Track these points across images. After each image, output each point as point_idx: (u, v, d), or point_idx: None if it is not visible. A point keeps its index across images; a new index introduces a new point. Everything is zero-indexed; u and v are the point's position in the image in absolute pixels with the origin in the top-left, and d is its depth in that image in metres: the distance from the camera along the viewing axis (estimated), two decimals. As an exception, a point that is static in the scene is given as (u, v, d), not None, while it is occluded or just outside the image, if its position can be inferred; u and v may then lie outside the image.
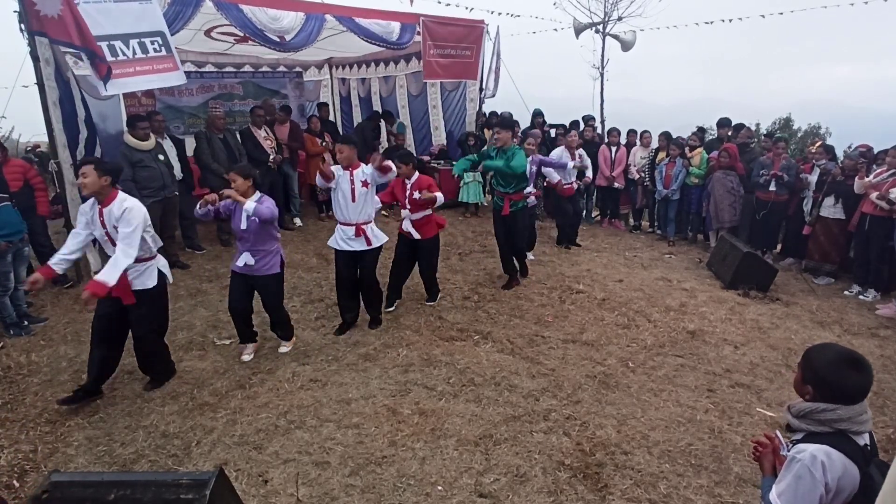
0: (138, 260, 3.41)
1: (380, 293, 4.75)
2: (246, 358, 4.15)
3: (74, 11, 4.55)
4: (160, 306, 3.72)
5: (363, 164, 4.35)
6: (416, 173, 4.81)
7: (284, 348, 4.31)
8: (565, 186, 6.83)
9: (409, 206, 4.79)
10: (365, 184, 4.29)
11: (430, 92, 9.32)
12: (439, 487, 2.79)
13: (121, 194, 3.45)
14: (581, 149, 7.22)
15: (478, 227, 7.80)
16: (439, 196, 4.74)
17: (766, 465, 1.78)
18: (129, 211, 3.34)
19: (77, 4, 4.60)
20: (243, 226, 3.81)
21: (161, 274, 3.63)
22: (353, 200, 4.29)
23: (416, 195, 4.70)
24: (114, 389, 3.75)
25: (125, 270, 3.28)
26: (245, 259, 3.91)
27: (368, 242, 4.41)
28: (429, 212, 4.89)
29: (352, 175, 4.29)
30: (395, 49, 7.78)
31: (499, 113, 9.18)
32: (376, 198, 4.56)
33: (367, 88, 10.44)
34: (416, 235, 4.85)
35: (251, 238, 3.86)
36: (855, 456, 1.54)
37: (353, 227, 4.36)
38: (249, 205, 3.73)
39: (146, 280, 3.53)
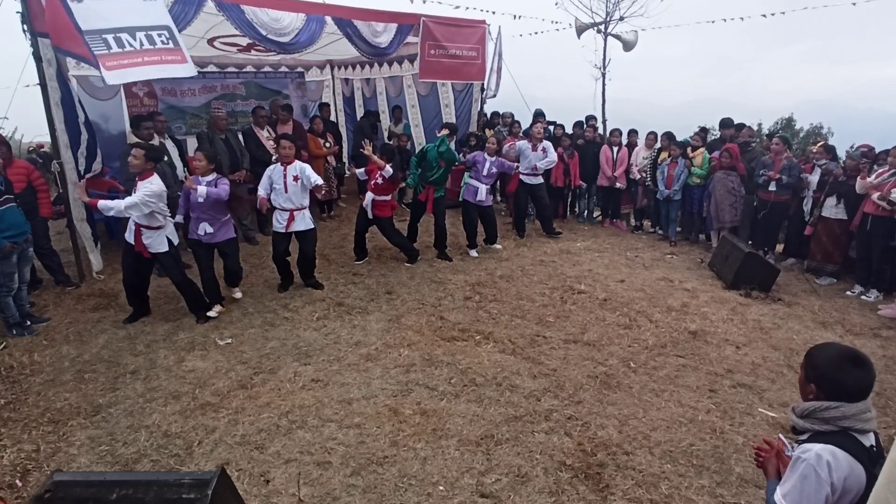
0: (150, 227, 4.47)
1: (311, 265, 5.62)
2: (214, 315, 4.89)
3: (59, 12, 4.50)
4: (176, 258, 4.75)
5: (298, 161, 5.21)
6: (387, 165, 5.75)
7: (238, 293, 5.28)
8: (524, 175, 7.28)
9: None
10: (296, 178, 5.11)
11: (442, 92, 9.30)
12: (441, 487, 2.80)
13: (154, 176, 4.44)
14: (546, 142, 7.38)
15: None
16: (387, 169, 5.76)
17: (770, 468, 1.77)
18: (146, 187, 4.34)
19: (81, 1, 4.57)
20: (200, 199, 4.61)
21: (169, 240, 4.60)
22: (286, 191, 5.14)
23: (380, 180, 5.83)
24: (115, 389, 3.76)
25: (142, 233, 4.45)
26: (204, 228, 4.75)
27: (298, 225, 5.30)
28: (389, 197, 6.03)
29: (286, 170, 5.13)
30: (380, 56, 7.80)
31: (500, 113, 9.18)
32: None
33: (373, 88, 10.44)
34: (371, 215, 6.01)
35: (207, 209, 4.69)
36: (861, 456, 1.53)
37: (288, 213, 5.24)
38: (202, 190, 4.61)
39: (158, 245, 4.54)
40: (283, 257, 5.42)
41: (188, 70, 5.18)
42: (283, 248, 5.35)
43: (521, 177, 7.30)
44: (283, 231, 5.27)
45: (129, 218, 4.50)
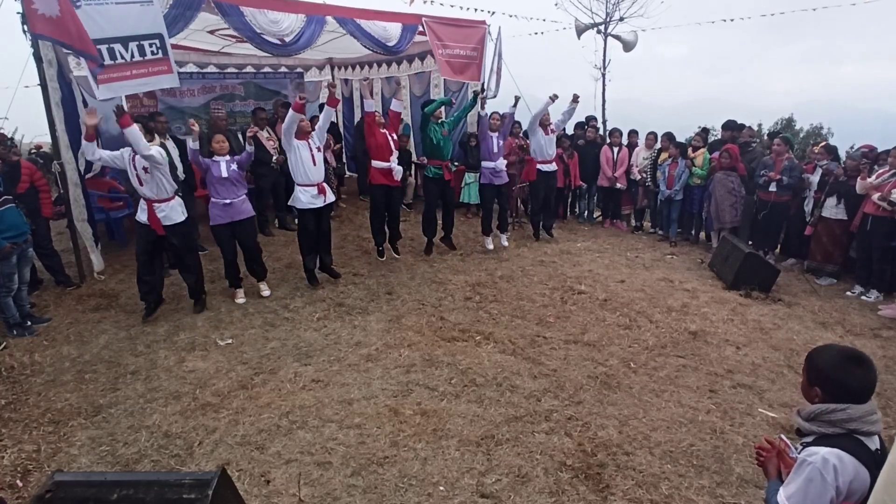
0: (160, 200, 4.63)
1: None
2: (241, 301, 5.20)
3: (71, 12, 4.52)
4: (191, 228, 4.98)
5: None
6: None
7: (266, 291, 5.38)
8: (539, 164, 7.12)
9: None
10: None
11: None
12: (441, 488, 2.80)
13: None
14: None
15: (479, 228, 7.79)
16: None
17: (771, 469, 1.77)
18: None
19: (79, 7, 4.60)
20: (224, 174, 4.87)
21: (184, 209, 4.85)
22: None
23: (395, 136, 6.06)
24: (116, 389, 3.76)
25: (154, 208, 4.60)
26: (226, 201, 4.95)
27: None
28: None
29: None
30: (392, 54, 7.77)
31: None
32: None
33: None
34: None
35: (234, 183, 4.96)
36: (866, 460, 1.53)
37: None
38: (223, 166, 4.91)
39: (175, 216, 4.73)
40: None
41: (172, 81, 5.36)
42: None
43: (537, 166, 7.15)
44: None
45: (139, 200, 4.75)
